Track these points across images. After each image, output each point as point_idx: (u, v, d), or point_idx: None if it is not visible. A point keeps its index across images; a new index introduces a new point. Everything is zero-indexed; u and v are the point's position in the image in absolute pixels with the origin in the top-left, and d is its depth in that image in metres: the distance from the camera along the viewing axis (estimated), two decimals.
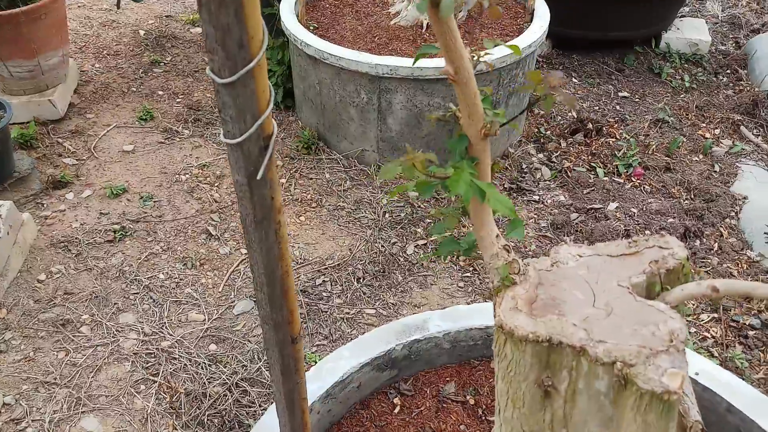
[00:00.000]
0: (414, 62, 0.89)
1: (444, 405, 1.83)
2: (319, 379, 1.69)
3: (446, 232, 0.96)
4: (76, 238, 2.81)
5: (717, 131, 4.03)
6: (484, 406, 1.82)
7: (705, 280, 0.92)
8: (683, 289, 0.96)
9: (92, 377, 2.29)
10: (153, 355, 2.39)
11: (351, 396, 1.78)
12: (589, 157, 3.70)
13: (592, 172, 3.60)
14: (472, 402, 1.83)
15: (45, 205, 2.98)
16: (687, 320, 2.82)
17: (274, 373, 1.25)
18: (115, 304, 2.56)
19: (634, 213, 3.31)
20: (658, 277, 1.00)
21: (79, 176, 3.16)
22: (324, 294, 2.76)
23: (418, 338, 1.82)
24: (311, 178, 3.37)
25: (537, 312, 0.94)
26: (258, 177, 0.88)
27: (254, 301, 2.69)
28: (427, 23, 3.52)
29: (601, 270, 1.01)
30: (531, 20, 3.61)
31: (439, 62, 3.05)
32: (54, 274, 2.65)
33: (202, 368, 2.38)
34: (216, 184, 3.21)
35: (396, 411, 1.81)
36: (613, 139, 3.84)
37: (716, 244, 3.17)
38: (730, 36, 5.22)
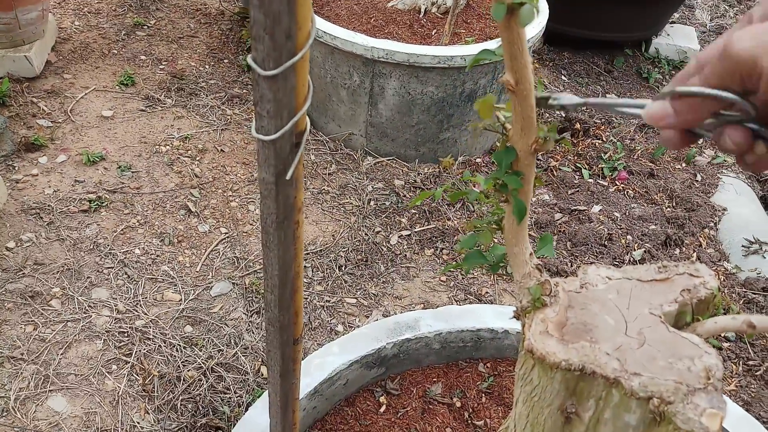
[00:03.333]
0: (469, 66, 0.83)
1: (430, 406, 1.80)
2: (308, 375, 1.64)
3: (477, 246, 0.91)
4: (48, 206, 2.68)
5: (700, 140, 4.06)
6: (470, 410, 1.80)
7: (740, 315, 0.89)
8: (716, 322, 0.93)
9: (61, 354, 2.19)
10: (126, 334, 2.30)
11: (337, 393, 1.73)
12: (575, 158, 3.69)
13: (578, 173, 3.60)
14: (458, 404, 1.81)
15: (16, 168, 2.83)
16: None
17: (272, 373, 1.19)
18: (88, 278, 2.46)
19: (617, 217, 3.32)
20: (690, 306, 0.97)
21: (54, 140, 3.01)
22: (304, 280, 2.69)
23: (409, 337, 1.78)
24: None
25: (568, 337, 0.90)
26: (287, 177, 0.82)
27: (231, 284, 2.61)
28: (425, 8, 3.44)
29: (632, 295, 0.98)
30: None
31: (436, 50, 2.98)
32: (24, 243, 2.52)
33: (177, 350, 2.30)
34: (197, 158, 3.10)
35: (382, 410, 1.77)
36: (600, 141, 3.84)
37: (695, 254, 3.20)
38: None
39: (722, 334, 2.86)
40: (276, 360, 1.15)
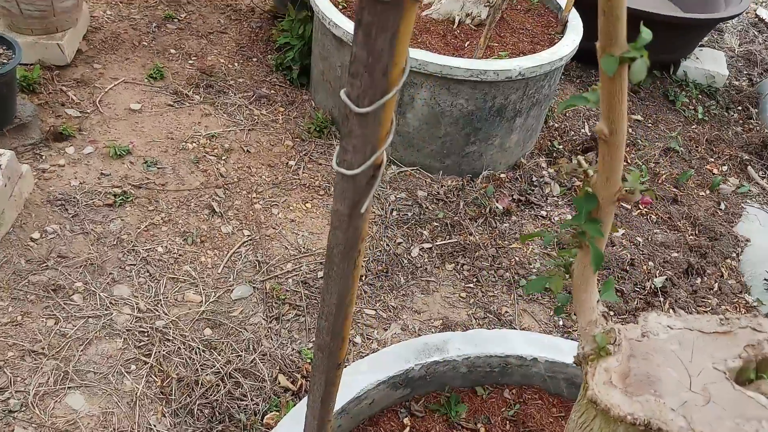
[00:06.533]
0: (560, 111, 0.81)
1: (454, 430, 1.77)
2: None
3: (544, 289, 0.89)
4: (74, 198, 2.67)
5: (725, 168, 4.03)
6: None
7: None
8: None
9: (81, 351, 2.18)
10: (146, 334, 2.29)
11: (362, 412, 1.71)
12: None
13: None
14: (482, 430, 1.78)
15: (43, 158, 2.82)
16: None
17: (313, 396, 1.18)
18: (110, 274, 2.44)
19: (640, 242, 3.29)
20: (754, 362, 0.94)
21: (82, 130, 3.00)
22: None
23: (438, 360, 1.76)
24: (321, 164, 3.26)
25: (631, 389, 0.88)
26: (362, 210, 0.80)
27: (252, 287, 2.60)
28: (459, 20, 3.42)
29: (694, 347, 0.95)
30: (563, 31, 3.53)
31: (470, 63, 2.96)
32: (48, 234, 2.51)
33: (196, 353, 2.29)
34: (223, 158, 3.09)
35: None
36: (624, 163, 3.81)
37: (716, 284, 3.17)
38: (745, 72, 5.23)
39: None
40: (320, 385, 1.13)
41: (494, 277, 2.92)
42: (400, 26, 0.64)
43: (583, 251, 0.84)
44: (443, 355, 1.77)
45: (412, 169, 3.37)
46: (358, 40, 0.63)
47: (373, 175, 0.80)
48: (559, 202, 3.45)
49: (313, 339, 2.49)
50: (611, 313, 0.88)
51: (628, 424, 0.85)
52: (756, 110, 4.70)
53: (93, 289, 2.37)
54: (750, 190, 3.83)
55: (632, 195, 0.77)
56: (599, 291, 0.94)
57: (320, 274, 2.73)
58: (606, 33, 0.62)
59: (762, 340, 0.98)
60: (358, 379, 1.66)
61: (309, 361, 2.42)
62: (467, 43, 3.33)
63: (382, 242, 2.95)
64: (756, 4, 6.31)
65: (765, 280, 3.19)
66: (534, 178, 3.56)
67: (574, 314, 0.88)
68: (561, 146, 3.82)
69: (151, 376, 2.18)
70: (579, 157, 0.80)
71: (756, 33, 5.87)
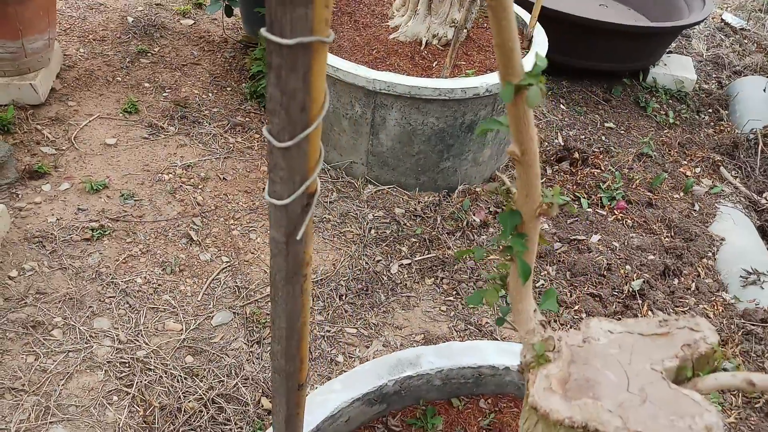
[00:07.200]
0: (478, 133, 0.85)
1: None
2: (310, 413, 1.64)
3: (483, 303, 0.93)
4: (51, 234, 2.70)
5: (698, 170, 4.10)
6: None
7: (740, 373, 0.91)
8: (717, 379, 0.94)
9: (62, 385, 2.20)
10: (127, 365, 2.30)
11: (339, 430, 1.74)
12: (574, 187, 3.72)
13: (577, 203, 3.62)
14: None
15: (20, 196, 2.85)
16: None
17: (277, 419, 1.20)
18: (89, 307, 2.47)
19: (616, 247, 3.34)
20: (690, 361, 0.98)
21: (58, 167, 3.03)
22: None
23: (411, 374, 1.79)
24: None
25: (571, 393, 0.92)
26: (297, 237, 0.84)
27: (232, 313, 2.62)
28: (426, 41, 3.49)
29: (633, 350, 0.99)
30: (528, 46, 3.61)
31: (437, 83, 3.03)
32: (26, 272, 2.54)
33: (178, 381, 2.31)
34: (200, 187, 3.12)
35: None
36: (598, 170, 3.88)
37: (693, 284, 3.22)
38: (713, 75, 5.33)
39: (722, 367, 2.87)
40: (281, 406, 1.16)
41: (473, 289, 2.96)
42: (312, 66, 0.68)
43: (514, 264, 0.88)
44: (416, 369, 1.80)
45: (388, 188, 3.42)
46: (270, 81, 0.67)
47: (308, 203, 0.84)
48: None
49: None
50: (550, 321, 0.92)
51: (567, 427, 0.89)
52: (726, 112, 4.79)
53: (72, 323, 2.39)
54: (723, 190, 3.90)
55: (551, 208, 0.81)
56: (539, 302, 0.99)
57: None
58: (503, 64, 0.66)
59: (698, 339, 1.02)
60: (331, 397, 1.69)
61: None
62: (435, 63, 3.40)
63: (361, 261, 2.98)
64: (721, 9, 6.45)
65: (741, 277, 3.24)
66: (510, 191, 3.61)
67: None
68: None
69: (133, 406, 2.19)
70: (502, 176, 0.85)
71: (723, 37, 5.99)
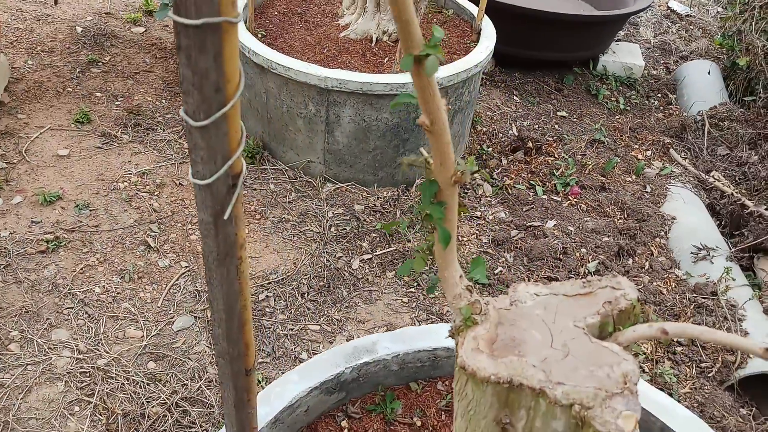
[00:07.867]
0: (393, 106, 0.89)
1: (392, 427, 1.84)
2: (268, 404, 1.67)
3: (413, 272, 0.97)
4: (4, 248, 2.66)
5: (648, 153, 4.22)
6: (431, 428, 1.84)
7: (656, 323, 0.96)
8: (635, 331, 1.00)
9: (22, 399, 2.18)
10: (88, 374, 2.29)
11: (299, 420, 1.76)
12: (529, 175, 3.80)
13: (532, 190, 3.70)
14: (419, 424, 1.85)
15: None
16: None
17: (227, 405, 1.23)
18: (47, 319, 2.45)
19: (571, 231, 3.42)
20: (611, 317, 1.04)
21: (9, 181, 3.00)
22: (267, 310, 2.72)
23: (368, 361, 1.83)
24: (255, 189, 3.32)
25: (498, 352, 0.97)
26: (225, 217, 0.87)
27: (193, 318, 2.63)
28: (376, 37, 3.54)
29: (558, 310, 1.04)
30: (478, 39, 3.68)
31: (388, 78, 3.07)
32: None
33: (141, 387, 2.30)
34: (156, 193, 3.12)
35: None
36: (552, 158, 3.97)
37: (647, 263, 3.32)
38: (661, 61, 5.49)
39: (675, 340, 2.97)
40: (229, 391, 1.19)
41: (434, 279, 3.01)
42: (223, 47, 0.71)
43: (436, 232, 0.92)
44: (373, 355, 1.84)
45: (347, 185, 3.45)
46: (182, 61, 0.70)
47: (234, 184, 0.87)
48: (492, 202, 3.57)
49: (258, 359, 2.53)
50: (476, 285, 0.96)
51: (493, 383, 0.93)
52: (674, 96, 4.94)
53: (30, 336, 2.37)
54: (673, 171, 4.03)
55: (464, 176, 0.85)
56: (467, 270, 1.03)
57: (261, 296, 2.78)
58: (403, 37, 0.70)
59: (619, 296, 1.07)
60: (289, 388, 1.71)
61: (257, 381, 2.45)
62: (386, 59, 3.45)
63: (322, 258, 3.01)
64: None
65: (692, 253, 3.35)
66: (466, 182, 3.67)
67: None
68: (490, 149, 3.96)
69: (95, 415, 2.18)
70: (421, 149, 0.89)
71: (669, 24, 6.17)
